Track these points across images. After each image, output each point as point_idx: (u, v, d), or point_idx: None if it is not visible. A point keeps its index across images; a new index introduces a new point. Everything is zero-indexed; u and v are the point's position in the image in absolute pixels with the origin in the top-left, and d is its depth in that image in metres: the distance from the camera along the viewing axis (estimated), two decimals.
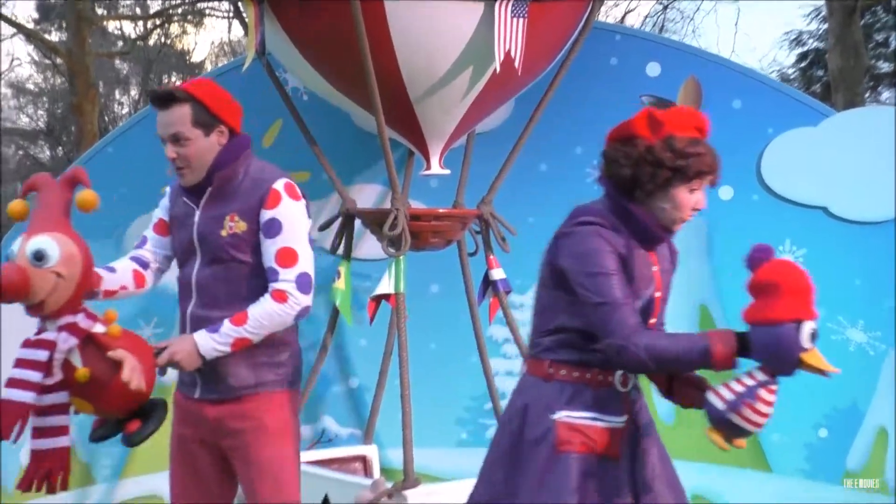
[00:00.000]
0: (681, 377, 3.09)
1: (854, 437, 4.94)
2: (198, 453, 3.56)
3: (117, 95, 31.30)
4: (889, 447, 4.91)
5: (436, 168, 4.79)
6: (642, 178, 2.91)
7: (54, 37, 23.69)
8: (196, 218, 3.46)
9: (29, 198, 3.11)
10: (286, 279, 3.34)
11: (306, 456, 4.89)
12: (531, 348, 3.11)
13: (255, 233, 3.38)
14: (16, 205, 3.03)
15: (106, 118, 27.07)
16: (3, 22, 19.13)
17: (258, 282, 3.39)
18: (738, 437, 2.88)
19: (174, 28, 27.20)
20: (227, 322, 3.34)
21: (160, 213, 3.64)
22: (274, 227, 3.37)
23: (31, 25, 22.59)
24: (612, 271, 2.87)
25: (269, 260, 3.37)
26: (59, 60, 21.79)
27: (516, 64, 4.28)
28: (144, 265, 3.63)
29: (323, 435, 5.43)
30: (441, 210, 4.86)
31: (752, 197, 5.07)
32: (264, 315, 3.34)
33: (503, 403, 5.12)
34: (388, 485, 4.13)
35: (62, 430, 3.10)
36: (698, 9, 19.46)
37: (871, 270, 4.96)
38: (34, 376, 3.00)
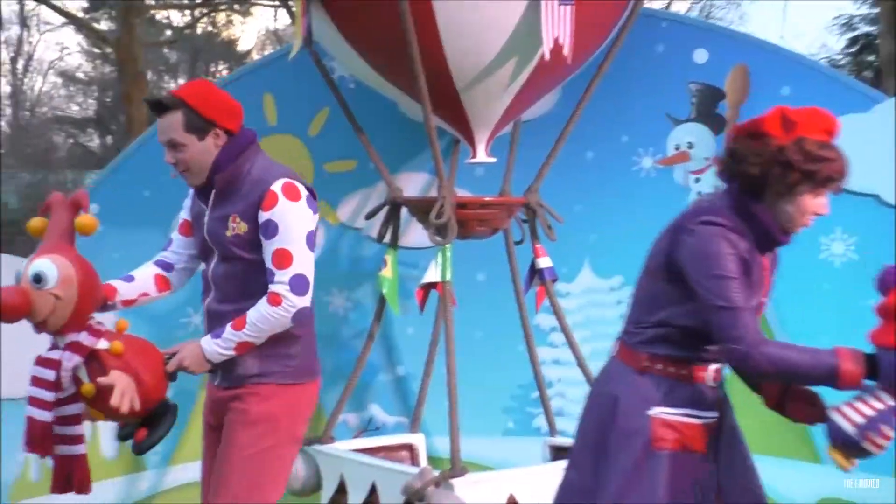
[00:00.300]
0: (793, 390, 3.05)
1: None
2: (212, 437, 3.66)
3: (166, 84, 31.50)
4: None
5: (482, 156, 4.77)
6: (770, 179, 2.86)
7: (103, 26, 23.85)
8: (206, 218, 3.54)
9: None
10: (280, 281, 3.39)
11: (354, 444, 4.92)
12: (626, 335, 3.10)
13: (256, 233, 3.44)
14: (35, 222, 3.23)
15: None
16: (53, 11, 19.32)
17: (265, 276, 3.47)
18: (859, 458, 2.84)
19: (221, 17, 27.33)
20: (228, 327, 3.43)
21: (184, 213, 3.72)
22: (270, 229, 3.41)
23: (80, 14, 22.75)
24: (735, 275, 2.84)
25: (267, 261, 3.43)
26: (108, 49, 21.97)
27: (565, 51, 4.25)
28: (168, 268, 3.72)
29: (370, 423, 5.44)
30: (487, 198, 4.85)
31: None
32: (261, 319, 3.40)
33: (550, 392, 5.13)
34: (435, 473, 4.12)
35: (78, 439, 3.29)
36: None
37: None
38: (47, 395, 3.20)
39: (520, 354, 5.08)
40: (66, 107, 32.75)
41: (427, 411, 5.13)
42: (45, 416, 3.21)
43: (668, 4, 19.43)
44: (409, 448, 5.08)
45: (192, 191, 3.68)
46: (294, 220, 3.42)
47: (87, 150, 31.21)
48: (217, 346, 3.43)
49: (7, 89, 33.92)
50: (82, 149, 31.34)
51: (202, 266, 3.68)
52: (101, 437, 5.34)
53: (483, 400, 5.22)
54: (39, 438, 3.24)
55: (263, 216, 3.40)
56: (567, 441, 4.96)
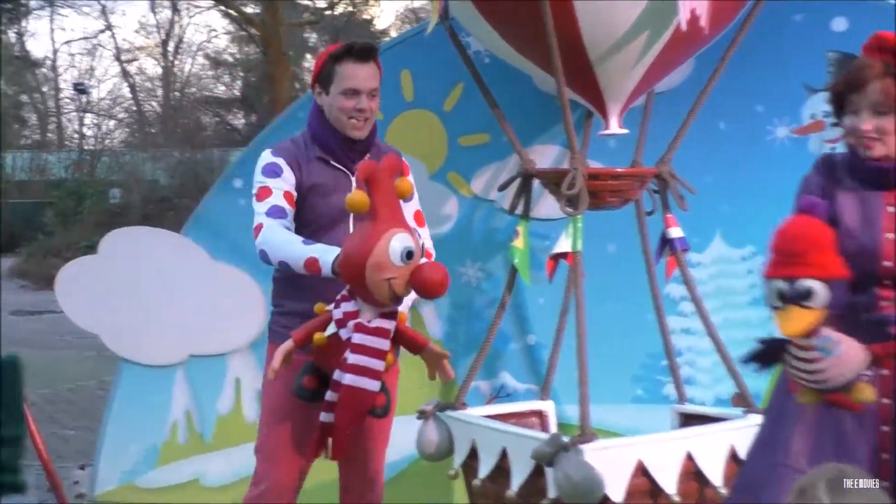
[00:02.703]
0: None
1: None
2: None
3: (306, 64, 32.00)
4: None
5: (614, 128, 4.72)
6: None
7: (248, 9, 24.34)
8: (353, 185, 3.58)
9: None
10: (427, 237, 3.62)
11: (485, 410, 4.95)
12: None
13: None
14: (359, 196, 3.09)
15: (297, 85, 27.71)
16: None
17: None
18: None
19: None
20: None
21: (285, 185, 3.66)
22: (411, 193, 3.54)
23: None
24: None
25: (409, 221, 3.47)
26: (253, 31, 22.41)
27: (702, 22, 4.18)
28: None
29: (501, 390, 5.46)
30: (619, 169, 4.80)
31: None
32: None
33: (679, 360, 5.08)
34: (565, 439, 4.13)
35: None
36: None
37: None
38: (380, 365, 3.10)
39: (649, 323, 5.04)
40: (213, 87, 33.55)
41: (557, 379, 5.12)
42: (376, 386, 3.11)
43: None
44: (539, 415, 5.08)
45: (286, 161, 3.69)
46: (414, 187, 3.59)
47: (233, 128, 31.95)
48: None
49: (158, 71, 34.90)
50: (228, 127, 32.07)
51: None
52: (243, 401, 5.48)
53: (612, 368, 5.19)
54: (368, 408, 3.17)
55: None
56: (696, 409, 4.91)
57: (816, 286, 2.76)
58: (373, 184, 3.06)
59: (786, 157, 5.10)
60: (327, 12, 26.83)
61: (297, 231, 3.65)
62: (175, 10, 33.56)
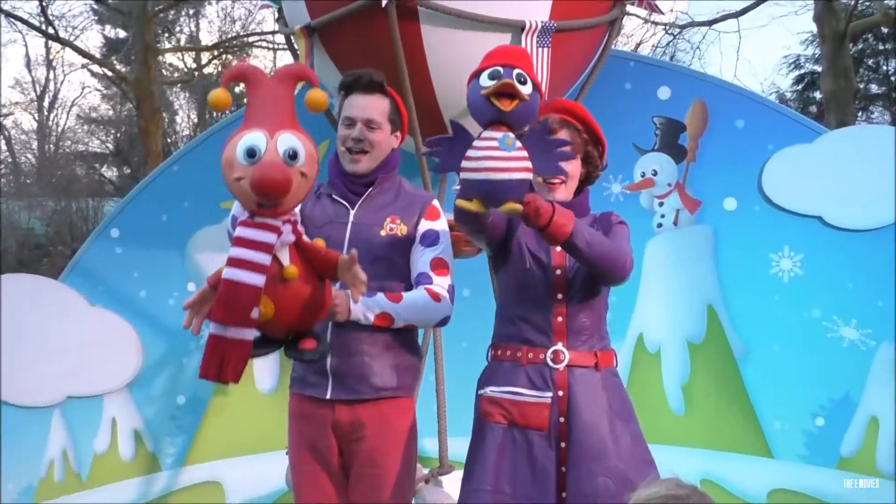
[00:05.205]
0: None
1: (848, 425, 4.90)
2: (324, 457, 3.39)
3: (178, 120, 31.51)
4: (880, 434, 4.88)
5: None
6: None
7: (121, 66, 23.86)
8: (351, 217, 3.37)
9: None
10: (441, 285, 3.32)
11: None
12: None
13: (412, 238, 3.37)
14: (221, 94, 2.63)
15: (168, 140, 27.25)
16: (76, 53, 19.32)
17: (405, 281, 3.35)
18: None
19: (229, 58, 27.36)
20: (381, 294, 3.22)
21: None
22: (430, 238, 3.37)
23: (101, 56, 22.80)
24: None
25: (423, 265, 3.35)
26: (126, 88, 21.99)
27: (542, 89, 4.27)
28: None
29: None
30: None
31: (754, 207, 5.06)
32: (418, 303, 3.28)
33: None
34: (425, 471, 4.12)
35: (253, 322, 2.68)
36: (703, 38, 19.37)
37: (862, 273, 4.93)
38: (263, 259, 2.63)
39: None
40: (87, 141, 32.70)
41: (418, 415, 5.10)
42: (258, 280, 2.60)
43: (636, 47, 19.52)
44: None
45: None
46: (447, 236, 3.43)
47: (106, 180, 31.15)
48: (363, 305, 3.17)
49: (33, 125, 33.91)
50: (102, 179, 31.27)
51: None
52: (119, 440, 5.33)
53: (468, 404, 5.17)
54: (249, 306, 2.60)
55: (426, 224, 3.38)
56: None
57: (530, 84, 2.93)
58: (247, 84, 2.69)
59: (620, 210, 5.20)
60: (197, 73, 26.51)
61: None
62: (50, 67, 32.71)
